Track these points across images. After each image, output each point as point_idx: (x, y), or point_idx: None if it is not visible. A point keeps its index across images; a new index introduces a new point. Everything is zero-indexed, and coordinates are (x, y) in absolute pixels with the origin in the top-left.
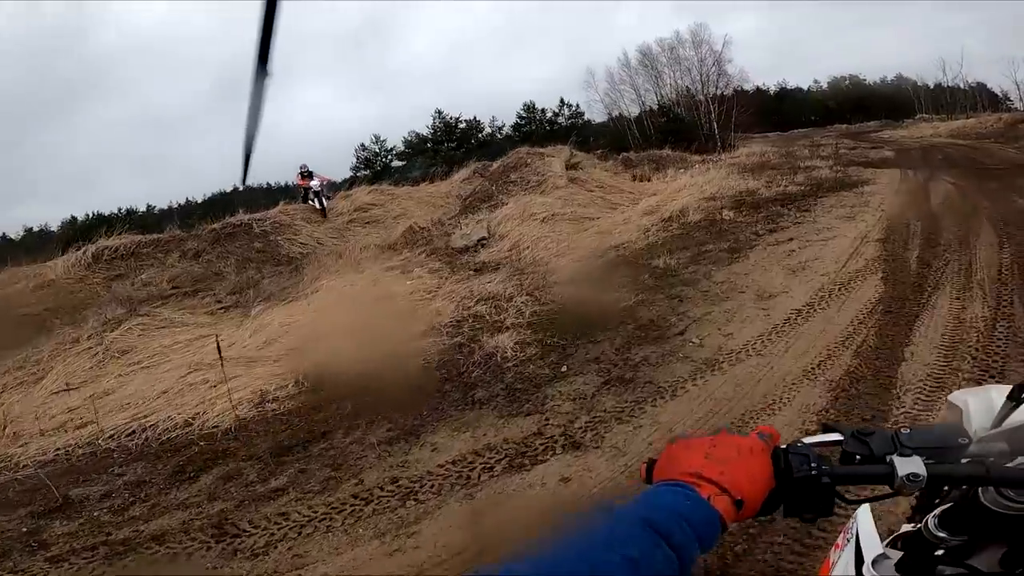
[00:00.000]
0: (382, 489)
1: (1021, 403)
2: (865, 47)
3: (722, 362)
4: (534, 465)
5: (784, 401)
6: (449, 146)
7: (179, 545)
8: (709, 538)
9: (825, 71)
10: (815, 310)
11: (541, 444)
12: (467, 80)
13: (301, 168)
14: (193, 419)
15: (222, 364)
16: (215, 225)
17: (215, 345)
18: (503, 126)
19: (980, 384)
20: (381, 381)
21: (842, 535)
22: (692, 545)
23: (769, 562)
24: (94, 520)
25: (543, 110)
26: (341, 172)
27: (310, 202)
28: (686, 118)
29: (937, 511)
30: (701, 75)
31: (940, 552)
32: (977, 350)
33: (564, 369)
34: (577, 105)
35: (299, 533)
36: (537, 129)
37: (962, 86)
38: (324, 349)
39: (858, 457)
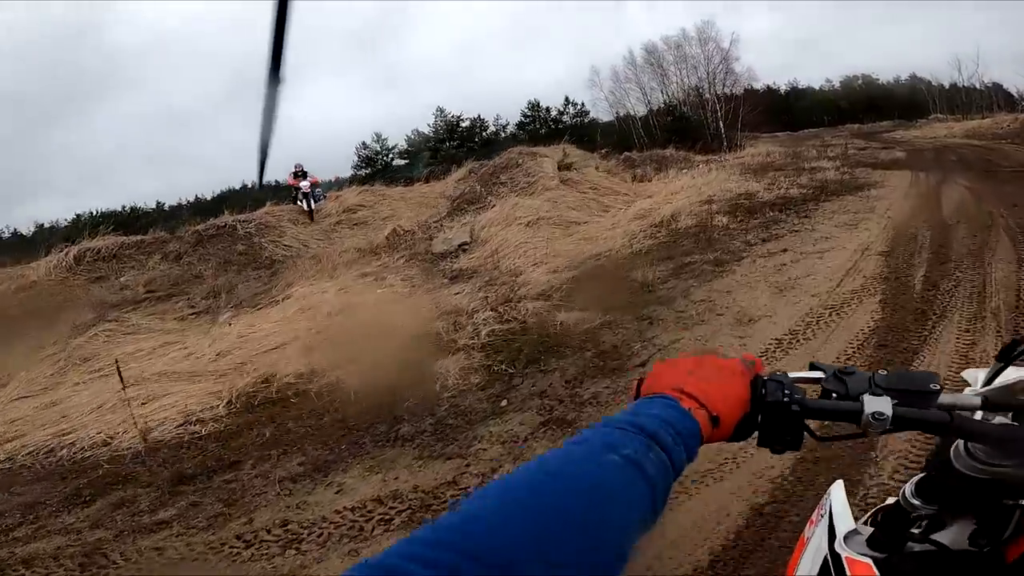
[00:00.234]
0: (268, 532)
1: (1009, 364)
2: (880, 46)
3: None
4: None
5: (739, 461)
6: (450, 145)
7: (45, 571)
8: (692, 447)
9: (839, 70)
10: (798, 340)
11: (452, 496)
12: (478, 79)
13: (295, 167)
14: (112, 438)
15: (123, 388)
16: (198, 227)
17: (176, 354)
18: (507, 125)
19: None
20: (312, 405)
21: (816, 511)
22: (679, 451)
23: None
24: None
25: (547, 109)
26: (344, 170)
27: (299, 203)
28: (692, 117)
29: (914, 479)
30: (708, 73)
31: (914, 523)
32: None
33: (504, 404)
34: (582, 104)
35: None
36: (541, 128)
37: (977, 86)
38: (268, 366)
39: (835, 394)
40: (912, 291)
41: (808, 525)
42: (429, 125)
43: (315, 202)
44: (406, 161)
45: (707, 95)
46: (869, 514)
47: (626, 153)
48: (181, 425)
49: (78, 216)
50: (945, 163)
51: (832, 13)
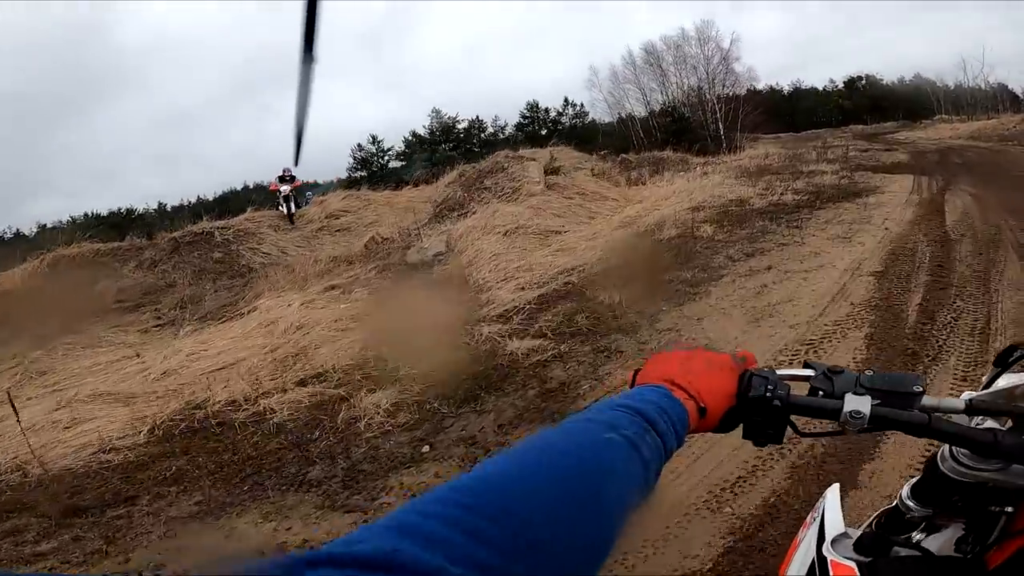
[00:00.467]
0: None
1: (1006, 369)
2: (884, 46)
3: None
4: None
5: (673, 538)
6: (446, 147)
7: None
8: (681, 435)
9: (844, 71)
10: None
11: None
12: (480, 81)
13: (283, 171)
14: (26, 463)
15: (18, 420)
16: (175, 233)
17: (132, 369)
18: (505, 126)
19: None
20: (234, 437)
21: (810, 515)
22: (671, 435)
23: None
24: None
25: (546, 110)
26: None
27: (279, 208)
28: (691, 118)
29: (911, 481)
30: (707, 74)
31: (908, 525)
32: None
33: (426, 449)
34: (581, 105)
35: None
36: (540, 129)
37: (983, 86)
38: (204, 390)
39: (821, 392)
40: (904, 324)
41: (802, 528)
42: (424, 127)
43: (302, 206)
44: (403, 163)
45: (707, 96)
46: (872, 516)
47: (623, 155)
48: (95, 453)
49: (73, 219)
50: (949, 166)
51: (836, 14)
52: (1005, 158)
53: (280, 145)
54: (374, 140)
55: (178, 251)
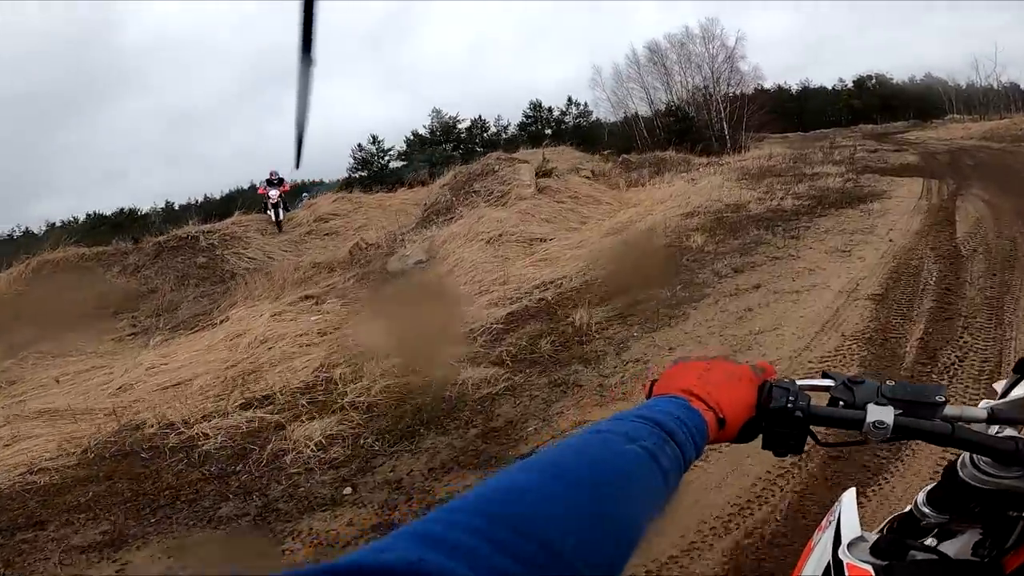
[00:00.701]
0: None
1: None
2: (895, 46)
3: None
4: None
5: None
6: (446, 147)
7: None
8: (700, 446)
9: (854, 70)
10: (723, 445)
11: None
12: (485, 80)
13: (271, 174)
14: None
15: None
16: (159, 238)
17: (96, 381)
18: (508, 126)
19: None
20: (160, 464)
21: (826, 517)
22: (690, 446)
23: None
24: None
25: (549, 109)
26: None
27: (267, 212)
28: (695, 118)
29: (926, 487)
30: (712, 72)
31: (923, 531)
32: None
33: (347, 491)
34: (584, 104)
35: None
36: (544, 129)
37: (995, 86)
38: (150, 408)
39: (842, 402)
40: (900, 364)
41: (817, 531)
42: (425, 127)
43: (290, 210)
44: (404, 164)
45: (712, 95)
46: (885, 522)
47: (624, 156)
48: (24, 473)
49: (75, 219)
50: (961, 169)
51: (847, 14)
52: (1019, 160)
53: (280, 145)
54: (374, 140)
55: (162, 256)
